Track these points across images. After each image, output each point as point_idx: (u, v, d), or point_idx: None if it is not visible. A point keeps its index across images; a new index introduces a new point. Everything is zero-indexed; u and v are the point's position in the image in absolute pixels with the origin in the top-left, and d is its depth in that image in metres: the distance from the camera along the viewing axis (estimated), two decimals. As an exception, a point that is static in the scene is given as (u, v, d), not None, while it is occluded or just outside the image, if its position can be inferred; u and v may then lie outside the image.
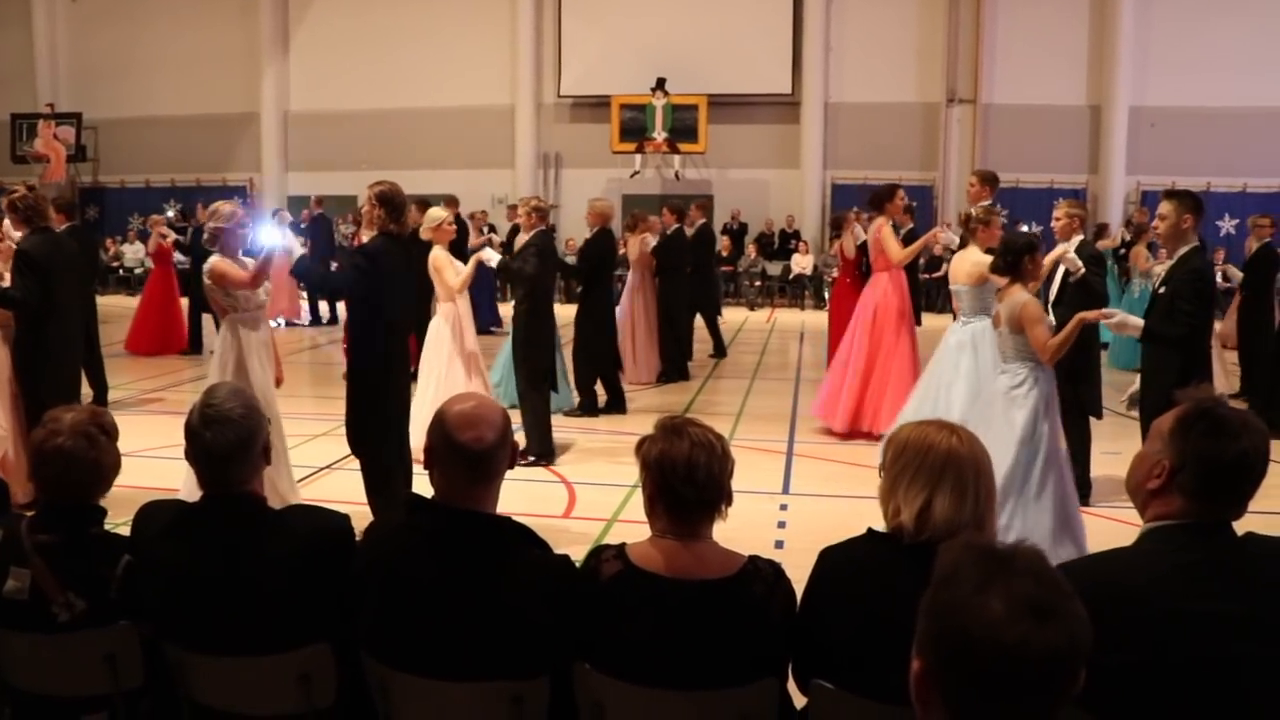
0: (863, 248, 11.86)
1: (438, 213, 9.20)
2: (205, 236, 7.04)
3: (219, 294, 6.81)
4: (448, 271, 8.91)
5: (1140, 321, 6.21)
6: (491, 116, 24.89)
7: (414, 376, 7.67)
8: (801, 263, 23.24)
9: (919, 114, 23.56)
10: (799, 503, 7.72)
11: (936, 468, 2.63)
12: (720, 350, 15.11)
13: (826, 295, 19.37)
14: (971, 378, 7.51)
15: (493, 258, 8.98)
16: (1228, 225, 21.81)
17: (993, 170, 9.41)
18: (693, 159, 23.95)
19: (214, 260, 6.85)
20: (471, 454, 2.83)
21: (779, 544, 6.57)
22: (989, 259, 7.45)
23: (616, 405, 11.04)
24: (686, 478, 2.77)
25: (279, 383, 7.05)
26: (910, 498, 2.63)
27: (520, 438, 8.85)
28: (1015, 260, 6.09)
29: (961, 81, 23.32)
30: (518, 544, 2.87)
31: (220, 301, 6.85)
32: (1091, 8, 22.77)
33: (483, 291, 16.15)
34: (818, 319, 18.05)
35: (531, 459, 8.82)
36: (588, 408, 10.81)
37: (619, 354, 11.49)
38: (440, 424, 2.88)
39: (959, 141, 23.41)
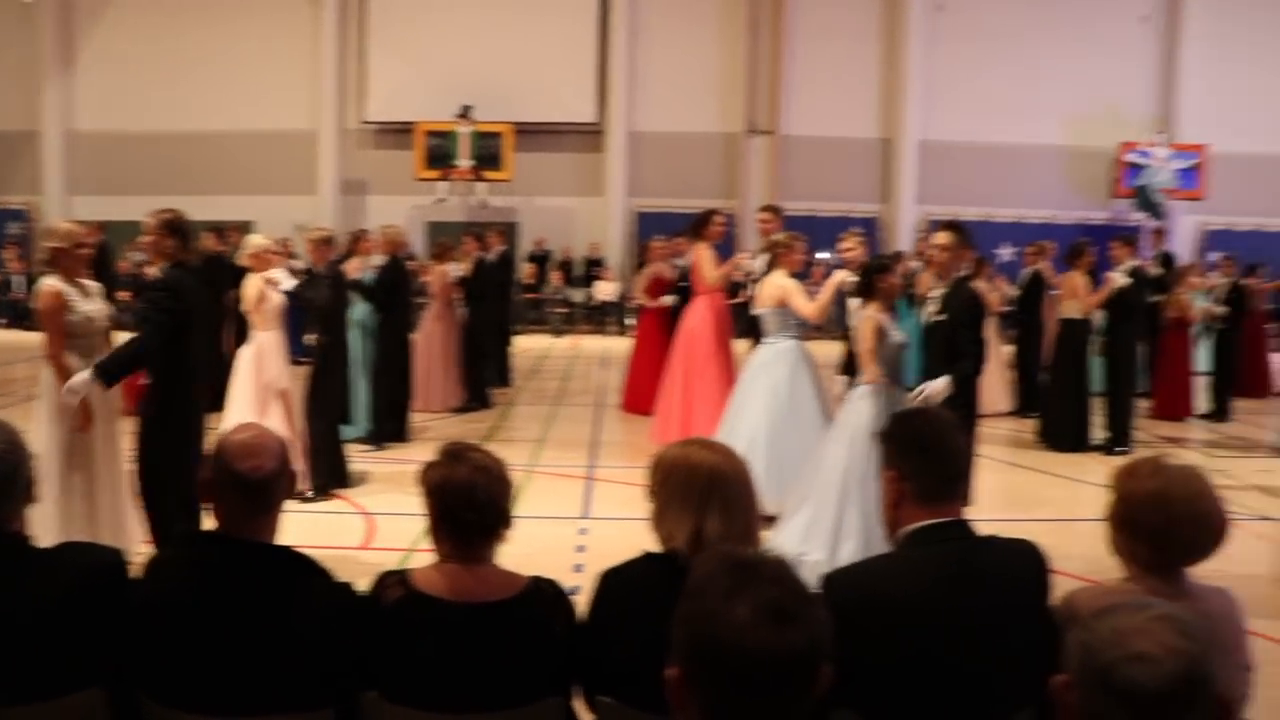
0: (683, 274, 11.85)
1: (258, 240, 8.84)
2: (43, 257, 6.39)
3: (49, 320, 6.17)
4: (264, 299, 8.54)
5: (942, 385, 6.40)
6: (293, 141, 24.29)
7: (214, 408, 7.36)
8: (605, 290, 23.34)
9: (720, 144, 23.98)
10: (599, 526, 7.68)
11: (703, 489, 2.67)
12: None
13: (631, 322, 19.13)
14: (766, 398, 7.65)
15: (283, 279, 8.61)
16: (1006, 254, 22.41)
17: (781, 203, 9.98)
18: (498, 186, 23.75)
19: (47, 282, 6.19)
20: (250, 483, 2.80)
21: (578, 567, 6.56)
22: (792, 282, 7.65)
23: (400, 434, 10.83)
24: (467, 502, 2.79)
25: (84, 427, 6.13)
26: (682, 522, 2.67)
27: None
28: (867, 280, 6.48)
29: (760, 113, 23.86)
30: (298, 573, 2.83)
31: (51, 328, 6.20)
32: (882, 45, 23.65)
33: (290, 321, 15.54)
34: (620, 345, 17.99)
35: (310, 494, 8.52)
36: (383, 436, 10.58)
37: (411, 383, 11.30)
38: (219, 454, 2.85)
39: (758, 171, 23.86)
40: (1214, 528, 2.48)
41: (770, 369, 7.71)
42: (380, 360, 10.64)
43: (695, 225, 10.00)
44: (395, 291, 10.63)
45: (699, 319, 9.74)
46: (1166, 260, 14.10)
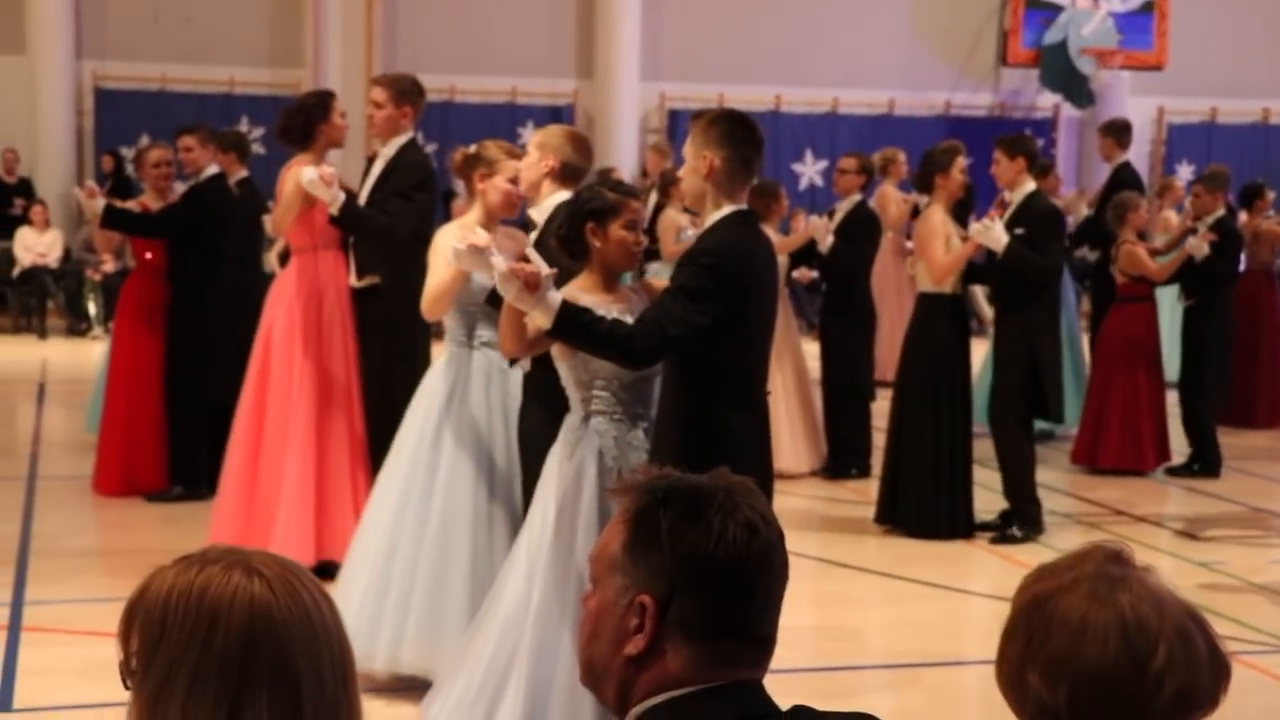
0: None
1: None
2: None
3: None
4: None
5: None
6: None
7: None
8: (38, 244, 16.86)
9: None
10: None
11: (238, 655, 1.97)
12: None
13: (95, 309, 16.70)
14: (411, 465, 6.46)
15: None
16: (811, 171, 18.67)
17: (410, 75, 7.54)
18: None
19: None
20: None
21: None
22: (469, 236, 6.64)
23: None
24: None
25: None
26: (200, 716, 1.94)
27: None
28: (573, 236, 5.25)
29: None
30: None
31: None
32: None
33: None
34: (86, 357, 14.25)
35: None
36: None
37: None
38: None
39: (343, 7, 17.50)
40: (1221, 676, 1.95)
41: (438, 404, 6.54)
42: None
43: (298, 122, 7.92)
44: None
45: (293, 298, 7.90)
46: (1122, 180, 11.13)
